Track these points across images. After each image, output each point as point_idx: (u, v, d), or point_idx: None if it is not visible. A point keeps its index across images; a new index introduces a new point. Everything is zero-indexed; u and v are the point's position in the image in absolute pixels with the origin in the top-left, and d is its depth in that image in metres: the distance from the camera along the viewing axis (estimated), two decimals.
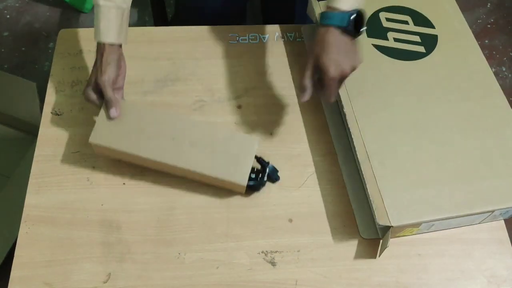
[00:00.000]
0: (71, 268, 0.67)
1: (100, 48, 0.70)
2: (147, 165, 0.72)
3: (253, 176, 0.72)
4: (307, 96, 0.68)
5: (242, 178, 0.69)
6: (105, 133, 0.70)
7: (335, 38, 0.64)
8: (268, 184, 0.75)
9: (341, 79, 0.66)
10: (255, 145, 0.72)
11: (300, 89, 0.68)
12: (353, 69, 0.66)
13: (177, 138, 0.70)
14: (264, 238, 0.70)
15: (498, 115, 0.75)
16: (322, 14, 0.66)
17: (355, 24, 0.66)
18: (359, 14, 0.66)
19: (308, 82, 0.67)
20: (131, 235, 0.70)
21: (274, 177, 0.74)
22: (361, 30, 0.67)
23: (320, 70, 0.65)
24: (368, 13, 0.87)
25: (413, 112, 0.75)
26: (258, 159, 0.74)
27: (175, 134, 0.71)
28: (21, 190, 0.73)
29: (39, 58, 1.62)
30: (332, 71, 0.64)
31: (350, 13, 0.64)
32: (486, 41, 1.76)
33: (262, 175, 0.73)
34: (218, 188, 0.74)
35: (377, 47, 0.82)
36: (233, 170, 0.69)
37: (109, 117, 0.71)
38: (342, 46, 0.65)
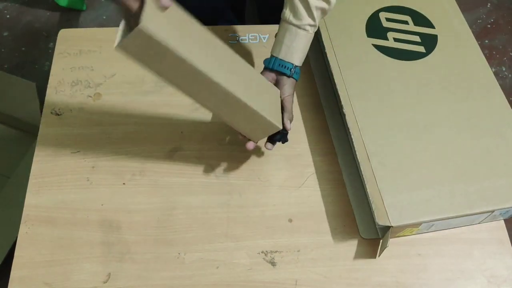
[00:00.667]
0: (71, 268, 0.67)
1: None
2: (179, 82, 0.59)
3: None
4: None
5: (278, 121, 0.67)
6: (156, 24, 0.51)
7: (292, 85, 0.74)
8: (268, 184, 0.75)
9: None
10: (279, 94, 0.72)
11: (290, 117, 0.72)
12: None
13: (220, 60, 0.62)
14: (264, 238, 0.70)
15: (498, 115, 0.75)
16: (296, 70, 0.73)
17: None
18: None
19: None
20: (131, 235, 0.70)
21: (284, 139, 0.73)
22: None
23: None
24: (368, 13, 0.87)
25: (413, 112, 0.75)
26: None
27: (219, 55, 0.62)
28: (21, 190, 0.73)
29: (39, 58, 1.62)
30: (291, 113, 0.73)
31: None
32: (486, 41, 1.76)
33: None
34: (218, 188, 0.74)
35: (377, 47, 0.82)
36: (269, 110, 0.66)
37: (159, 6, 0.53)
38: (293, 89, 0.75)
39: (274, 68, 0.72)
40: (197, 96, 0.61)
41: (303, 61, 0.74)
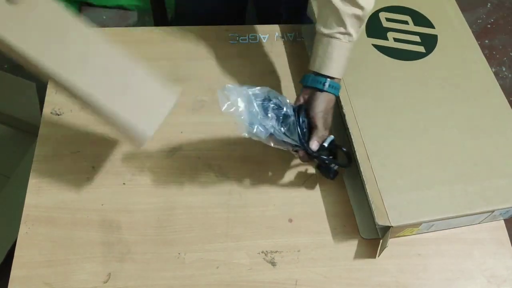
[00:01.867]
0: (71, 268, 0.67)
1: None
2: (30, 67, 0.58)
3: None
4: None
5: (148, 127, 0.57)
6: None
7: (331, 104, 0.70)
8: (268, 184, 0.75)
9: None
10: (174, 98, 0.59)
11: (318, 139, 0.68)
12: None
13: (82, 53, 0.57)
14: (264, 238, 0.70)
15: (498, 115, 0.75)
16: (330, 83, 0.68)
17: None
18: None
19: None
20: (131, 235, 0.70)
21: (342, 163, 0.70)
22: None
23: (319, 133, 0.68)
24: None
25: (413, 112, 0.75)
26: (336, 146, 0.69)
27: (81, 47, 0.57)
28: (21, 190, 0.73)
29: None
30: (323, 134, 0.68)
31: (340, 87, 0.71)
32: (486, 41, 1.76)
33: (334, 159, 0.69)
34: (218, 188, 0.74)
35: (377, 47, 0.82)
36: (138, 112, 0.57)
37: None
38: (332, 111, 0.71)
39: (308, 84, 0.69)
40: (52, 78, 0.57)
41: (342, 73, 0.70)
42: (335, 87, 0.69)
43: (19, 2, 0.55)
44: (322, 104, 0.68)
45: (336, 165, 0.70)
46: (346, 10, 0.66)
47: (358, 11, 0.66)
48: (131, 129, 0.57)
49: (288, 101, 0.67)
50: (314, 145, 0.67)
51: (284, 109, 0.65)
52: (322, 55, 0.69)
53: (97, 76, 0.56)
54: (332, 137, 0.68)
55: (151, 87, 0.59)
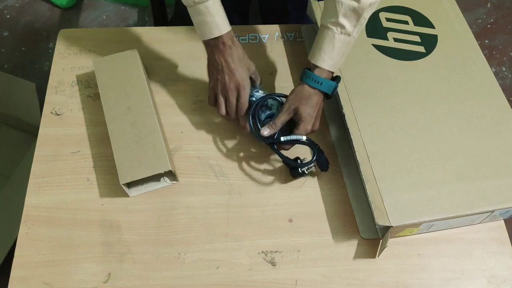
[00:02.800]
0: (71, 268, 0.67)
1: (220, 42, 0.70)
2: None
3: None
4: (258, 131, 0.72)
5: (123, 178, 0.69)
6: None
7: (318, 101, 0.71)
8: (268, 184, 0.75)
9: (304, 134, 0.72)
10: (162, 169, 0.70)
11: (272, 126, 0.71)
12: (312, 131, 0.73)
13: (128, 114, 0.75)
14: (264, 238, 0.70)
15: (498, 115, 0.75)
16: (311, 75, 0.70)
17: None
18: (339, 82, 0.73)
19: (280, 125, 0.71)
20: (131, 235, 0.70)
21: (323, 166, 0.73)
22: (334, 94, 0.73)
23: (298, 121, 0.71)
24: None
25: (413, 112, 0.75)
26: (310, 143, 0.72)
27: (132, 107, 0.75)
28: (21, 190, 0.73)
29: (39, 58, 1.62)
30: (308, 127, 0.71)
31: (336, 83, 0.71)
32: (486, 41, 1.76)
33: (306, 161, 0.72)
34: (218, 188, 0.74)
35: (377, 47, 0.82)
36: (127, 167, 0.70)
37: None
38: (320, 109, 0.73)
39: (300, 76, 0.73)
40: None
41: (332, 64, 0.70)
42: (312, 78, 0.70)
43: None
44: (293, 93, 0.71)
45: (289, 164, 0.73)
46: (342, 1, 0.66)
47: (353, 3, 0.66)
48: (119, 173, 0.70)
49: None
50: (265, 131, 0.71)
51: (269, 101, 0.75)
52: (315, 44, 0.71)
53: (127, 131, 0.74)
54: (301, 137, 0.70)
55: (152, 153, 0.71)
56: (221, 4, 0.69)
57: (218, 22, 0.68)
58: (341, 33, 0.68)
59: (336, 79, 0.72)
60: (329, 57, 0.69)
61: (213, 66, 0.72)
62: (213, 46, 0.70)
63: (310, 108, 0.70)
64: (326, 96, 0.72)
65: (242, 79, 0.72)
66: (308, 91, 0.70)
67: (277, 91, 0.84)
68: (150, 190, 0.73)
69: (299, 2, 0.96)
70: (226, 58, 0.70)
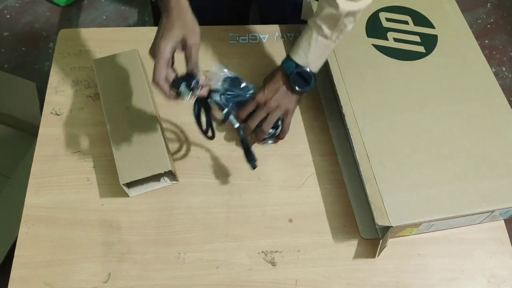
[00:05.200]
0: (71, 268, 0.67)
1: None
2: None
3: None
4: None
5: (122, 178, 0.69)
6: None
7: (279, 78, 0.76)
8: (268, 184, 0.75)
9: (266, 109, 0.74)
10: (161, 169, 0.69)
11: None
12: (282, 110, 0.75)
13: (128, 111, 0.75)
14: (264, 238, 0.70)
15: (498, 115, 0.75)
16: (287, 58, 0.76)
17: (302, 80, 0.75)
18: (304, 73, 0.75)
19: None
20: (131, 235, 0.70)
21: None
22: (302, 89, 0.76)
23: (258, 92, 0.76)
24: (368, 13, 0.87)
25: (412, 112, 0.75)
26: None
27: (132, 106, 0.76)
28: (21, 190, 0.73)
29: (39, 58, 1.62)
30: (261, 96, 0.75)
31: (299, 69, 0.74)
32: (486, 41, 1.76)
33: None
34: (218, 188, 0.74)
35: (377, 47, 0.82)
36: (127, 167, 0.70)
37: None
38: (282, 88, 0.75)
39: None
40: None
41: (307, 62, 0.73)
42: (286, 61, 0.75)
43: None
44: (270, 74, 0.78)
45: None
46: (324, 4, 0.69)
47: (331, 10, 0.68)
48: (118, 173, 0.70)
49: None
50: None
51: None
52: (297, 38, 0.75)
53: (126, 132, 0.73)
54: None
55: (152, 153, 0.71)
56: None
57: None
58: (318, 34, 0.71)
59: (312, 77, 0.75)
60: (303, 53, 0.73)
61: (158, 28, 0.65)
62: (161, 8, 0.64)
63: (271, 80, 0.76)
64: (291, 83, 0.75)
65: (158, 46, 0.61)
66: (275, 70, 0.77)
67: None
68: (150, 190, 0.73)
69: (298, 9, 0.96)
70: (165, 22, 0.63)
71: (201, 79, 0.64)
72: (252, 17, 1.18)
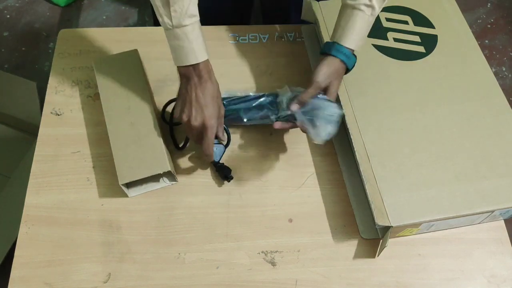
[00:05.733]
0: (71, 268, 0.67)
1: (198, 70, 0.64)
2: None
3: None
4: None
5: (122, 178, 0.69)
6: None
7: (342, 75, 0.72)
8: (268, 184, 0.75)
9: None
10: (160, 170, 0.69)
11: (299, 102, 0.69)
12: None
13: (128, 113, 0.75)
14: (264, 238, 0.70)
15: (498, 115, 0.75)
16: (341, 49, 0.69)
17: None
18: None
19: (307, 100, 0.69)
20: (131, 235, 0.70)
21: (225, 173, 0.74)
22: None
23: (328, 94, 0.70)
24: None
25: (412, 112, 0.75)
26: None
27: (131, 106, 0.75)
28: (21, 190, 0.73)
29: (39, 58, 1.62)
30: (334, 93, 0.70)
31: (355, 60, 0.71)
32: (486, 41, 1.76)
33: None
34: (218, 188, 0.74)
35: (377, 47, 0.82)
36: (126, 167, 0.70)
37: None
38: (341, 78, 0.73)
39: (323, 51, 0.70)
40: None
41: (359, 45, 0.70)
42: (344, 53, 0.68)
43: None
44: (324, 66, 0.68)
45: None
46: None
47: None
48: (118, 173, 0.70)
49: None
50: (294, 106, 0.69)
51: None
52: (343, 25, 0.69)
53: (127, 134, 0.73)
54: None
55: (151, 154, 0.71)
56: (201, 31, 0.64)
57: (195, 49, 0.63)
58: (371, 14, 0.68)
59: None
60: (357, 37, 0.69)
61: (183, 96, 0.66)
62: (187, 74, 0.65)
63: (339, 84, 0.70)
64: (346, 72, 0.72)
65: (210, 117, 0.64)
66: (339, 65, 0.69)
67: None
68: (149, 190, 0.73)
69: (301, 8, 0.96)
70: (198, 92, 0.64)
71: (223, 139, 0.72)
72: (253, 16, 1.18)
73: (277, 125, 0.72)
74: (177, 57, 0.64)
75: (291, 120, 0.72)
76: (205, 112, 0.64)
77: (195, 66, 0.64)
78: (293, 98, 0.71)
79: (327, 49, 0.69)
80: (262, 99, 0.76)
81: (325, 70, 0.69)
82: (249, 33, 0.92)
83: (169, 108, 0.78)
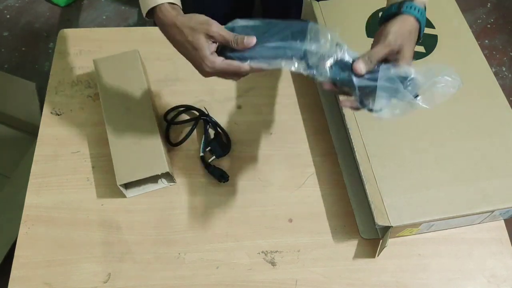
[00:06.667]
0: (71, 268, 0.67)
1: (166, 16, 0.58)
2: None
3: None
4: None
5: (120, 179, 0.69)
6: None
7: (415, 39, 0.59)
8: (268, 184, 0.75)
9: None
10: (159, 171, 0.70)
11: (368, 61, 0.55)
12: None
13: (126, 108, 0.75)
14: (264, 238, 0.70)
15: (498, 115, 0.75)
16: (413, 5, 0.58)
17: None
18: None
19: (375, 61, 0.55)
20: (131, 235, 0.70)
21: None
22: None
23: (396, 60, 0.56)
24: (368, 13, 0.87)
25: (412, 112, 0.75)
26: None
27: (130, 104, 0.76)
28: (21, 190, 0.73)
29: (39, 58, 1.62)
30: (408, 59, 0.56)
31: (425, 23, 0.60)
32: (486, 41, 1.76)
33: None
34: (218, 188, 0.74)
35: None
36: (125, 167, 0.70)
37: None
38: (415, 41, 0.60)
39: (388, 12, 0.57)
40: None
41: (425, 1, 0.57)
42: (418, 9, 0.57)
43: None
44: (395, 25, 0.55)
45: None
46: None
47: None
48: (116, 173, 0.70)
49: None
50: (360, 66, 0.54)
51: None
52: None
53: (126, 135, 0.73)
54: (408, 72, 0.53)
55: (150, 154, 0.71)
56: None
57: None
58: None
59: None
60: None
61: (179, 50, 0.62)
62: (159, 22, 0.60)
63: (413, 47, 0.57)
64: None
65: (213, 61, 0.59)
66: (413, 25, 0.57)
67: (277, 91, 0.84)
68: (147, 191, 0.73)
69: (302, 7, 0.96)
70: (179, 40, 0.60)
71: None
72: (253, 13, 1.18)
73: (327, 85, 0.56)
74: (143, 8, 0.61)
75: (345, 84, 0.55)
76: (206, 62, 0.59)
77: (157, 9, 0.59)
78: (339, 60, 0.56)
79: (395, 9, 0.56)
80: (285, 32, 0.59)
81: (397, 29, 0.55)
82: None
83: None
